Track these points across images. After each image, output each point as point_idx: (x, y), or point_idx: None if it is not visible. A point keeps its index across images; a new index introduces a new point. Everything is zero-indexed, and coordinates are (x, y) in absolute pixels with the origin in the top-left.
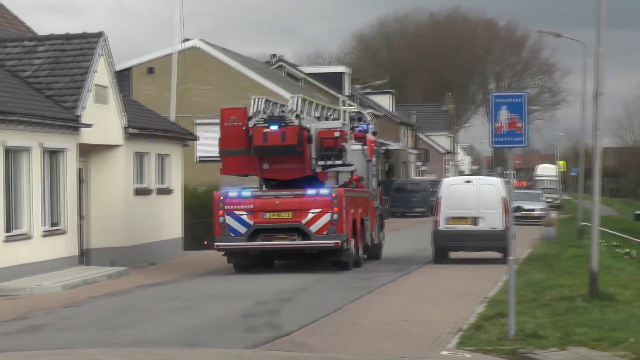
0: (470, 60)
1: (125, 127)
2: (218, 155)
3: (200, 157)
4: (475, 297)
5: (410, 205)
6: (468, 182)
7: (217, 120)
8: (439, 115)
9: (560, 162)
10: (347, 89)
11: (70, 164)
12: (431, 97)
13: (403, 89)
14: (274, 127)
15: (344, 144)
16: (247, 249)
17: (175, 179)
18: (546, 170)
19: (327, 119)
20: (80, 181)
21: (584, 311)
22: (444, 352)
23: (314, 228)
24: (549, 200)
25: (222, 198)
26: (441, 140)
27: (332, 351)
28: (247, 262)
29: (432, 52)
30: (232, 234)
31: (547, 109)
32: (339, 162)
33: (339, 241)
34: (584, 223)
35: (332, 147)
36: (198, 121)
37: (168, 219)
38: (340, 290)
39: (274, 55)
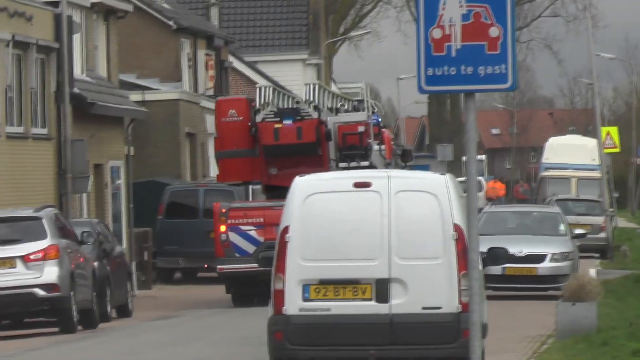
0: None
1: None
2: (215, 158)
3: None
4: None
5: None
6: (362, 185)
7: None
8: (281, 11)
9: (609, 131)
10: None
11: None
12: None
13: None
14: (287, 122)
15: (369, 141)
16: (257, 273)
17: None
18: (570, 153)
19: (337, 110)
20: None
21: None
22: None
23: None
24: (581, 232)
25: (224, 210)
26: (290, 74)
27: None
28: (253, 291)
29: None
30: (237, 255)
31: None
32: (365, 163)
33: None
34: None
35: (356, 145)
36: None
37: None
38: None
39: None
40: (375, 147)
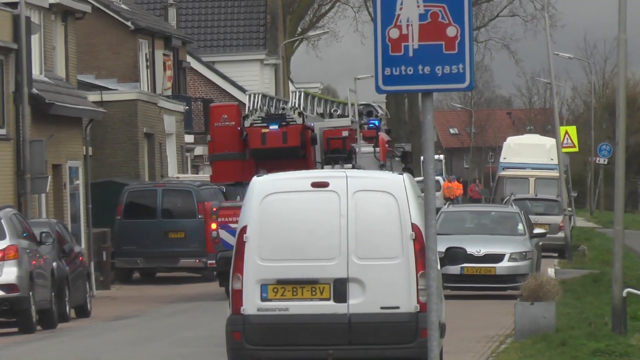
0: None
1: None
2: (208, 160)
3: None
4: None
5: None
6: (320, 185)
7: None
8: (238, 11)
9: (567, 130)
10: None
11: None
12: None
13: None
14: (273, 127)
15: (353, 145)
16: None
17: None
18: (528, 152)
19: (331, 115)
20: None
21: None
22: None
23: None
24: (540, 231)
25: (214, 209)
26: (248, 74)
27: None
28: None
29: None
30: (227, 250)
31: None
32: (348, 165)
33: None
34: (630, 290)
35: (339, 149)
36: None
37: None
38: None
39: None
40: (369, 149)
